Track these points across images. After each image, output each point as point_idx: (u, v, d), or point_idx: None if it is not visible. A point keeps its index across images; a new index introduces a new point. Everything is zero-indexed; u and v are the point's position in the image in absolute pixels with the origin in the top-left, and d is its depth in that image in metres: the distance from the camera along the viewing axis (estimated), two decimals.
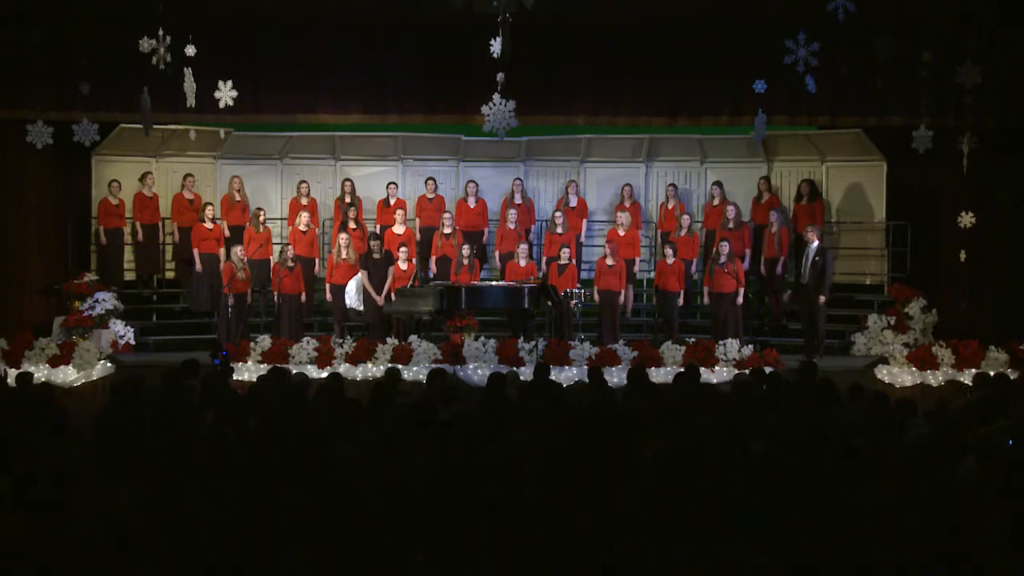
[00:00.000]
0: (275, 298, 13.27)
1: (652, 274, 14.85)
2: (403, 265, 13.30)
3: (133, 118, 12.28)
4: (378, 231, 13.97)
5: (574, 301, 12.81)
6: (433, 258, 13.88)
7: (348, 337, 12.77)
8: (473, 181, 14.66)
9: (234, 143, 15.29)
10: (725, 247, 13.01)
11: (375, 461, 5.58)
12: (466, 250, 13.37)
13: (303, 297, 13.38)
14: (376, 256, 13.31)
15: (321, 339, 12.53)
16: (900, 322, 12.85)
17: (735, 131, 13.98)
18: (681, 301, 13.47)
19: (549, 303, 12.75)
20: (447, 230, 13.81)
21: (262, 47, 12.60)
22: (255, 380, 10.13)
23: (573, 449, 5.91)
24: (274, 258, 13.76)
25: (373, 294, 13.20)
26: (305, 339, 12.52)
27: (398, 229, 13.90)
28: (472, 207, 14.43)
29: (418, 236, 14.23)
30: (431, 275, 13.99)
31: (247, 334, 12.81)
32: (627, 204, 14.34)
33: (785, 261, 13.72)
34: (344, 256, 13.31)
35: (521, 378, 10.66)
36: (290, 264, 13.20)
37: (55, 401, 8.01)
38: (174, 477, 5.39)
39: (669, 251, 13.33)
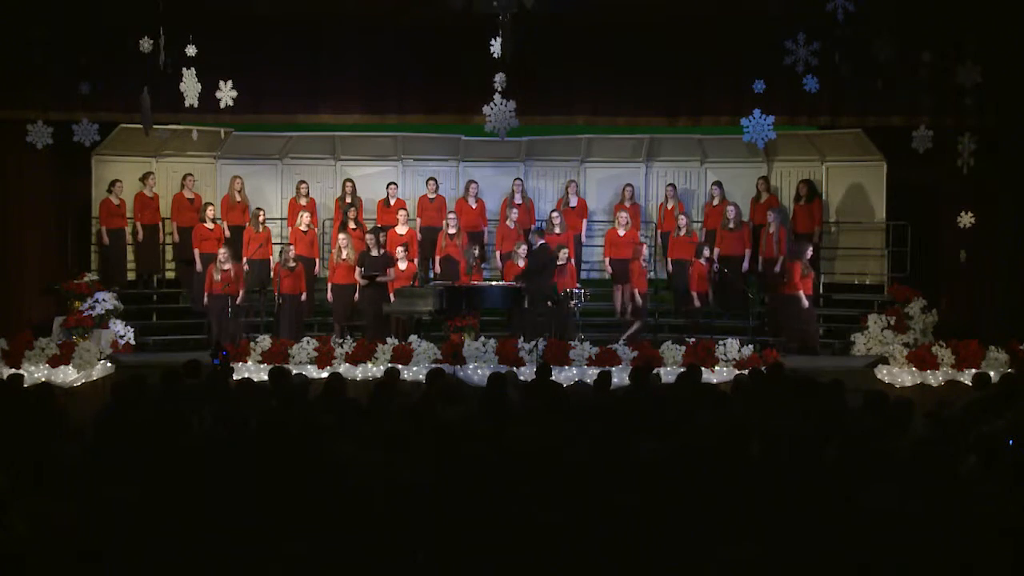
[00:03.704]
0: (275, 298, 13.29)
1: (652, 274, 14.87)
2: (402, 265, 13.30)
3: (133, 118, 12.27)
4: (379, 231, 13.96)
5: (574, 301, 12.82)
6: (437, 258, 13.90)
7: (348, 337, 12.77)
8: (474, 181, 14.67)
9: (234, 143, 15.29)
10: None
11: (375, 461, 5.58)
12: (476, 251, 13.44)
13: (303, 297, 13.38)
14: (374, 254, 13.29)
15: (321, 339, 12.53)
16: (900, 322, 12.85)
17: (735, 131, 13.95)
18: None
19: (549, 303, 12.75)
20: (451, 230, 13.82)
21: (262, 47, 12.59)
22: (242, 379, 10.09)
23: (573, 448, 5.91)
24: (274, 258, 13.77)
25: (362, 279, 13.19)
26: (305, 339, 12.52)
27: (401, 229, 13.91)
28: (474, 207, 14.44)
29: (419, 236, 14.24)
30: (431, 275, 14.02)
31: (238, 335, 12.83)
32: (627, 204, 14.35)
33: (784, 261, 13.72)
34: (344, 256, 13.30)
35: (521, 378, 10.65)
36: (291, 264, 13.20)
37: (55, 401, 7.99)
38: (174, 477, 5.39)
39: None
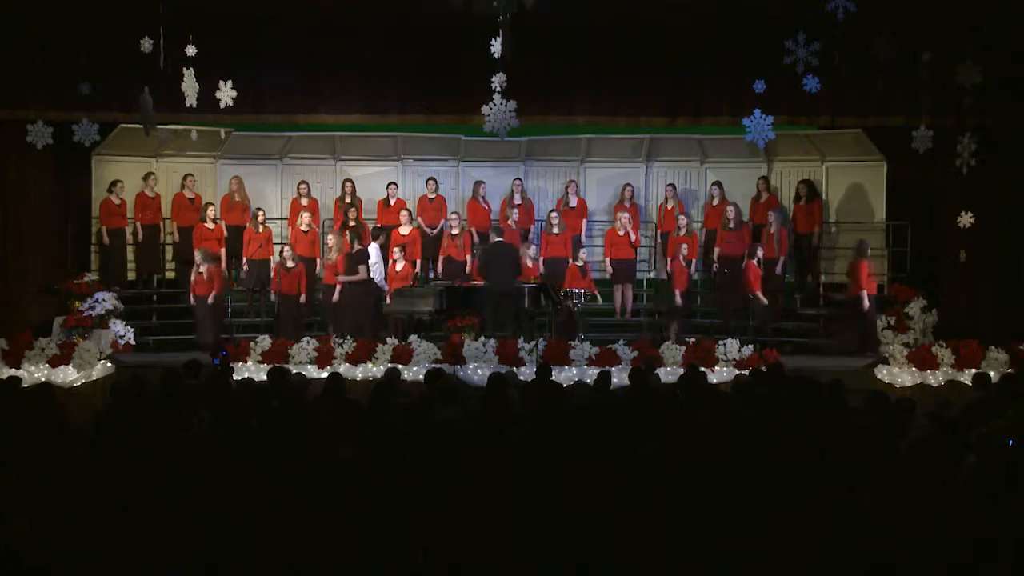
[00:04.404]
0: (272, 298, 13.32)
1: (652, 274, 14.89)
2: (399, 266, 13.28)
3: (133, 118, 12.28)
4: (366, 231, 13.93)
5: (576, 301, 12.82)
6: (441, 258, 13.92)
7: (348, 337, 12.77)
8: (482, 181, 14.66)
9: (234, 143, 15.29)
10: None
11: (375, 461, 5.58)
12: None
13: (302, 298, 13.36)
14: (353, 251, 13.26)
15: (321, 339, 12.53)
16: (900, 322, 12.84)
17: (735, 131, 13.95)
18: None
19: (549, 303, 12.76)
20: (454, 231, 13.83)
21: (262, 47, 12.60)
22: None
23: (573, 448, 5.91)
24: (275, 258, 13.78)
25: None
26: (305, 339, 12.52)
27: (404, 230, 13.92)
28: (485, 208, 14.45)
29: (429, 234, 14.27)
30: (431, 275, 14.04)
31: (219, 335, 12.90)
32: (627, 204, 14.36)
33: (784, 261, 13.74)
34: (331, 257, 13.32)
35: (521, 378, 10.65)
36: (289, 265, 13.20)
37: (55, 401, 7.99)
38: (174, 477, 5.39)
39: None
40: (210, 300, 13.12)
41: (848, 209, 14.58)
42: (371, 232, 13.53)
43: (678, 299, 13.19)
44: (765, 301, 13.05)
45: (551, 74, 12.61)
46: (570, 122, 13.80)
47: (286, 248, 13.43)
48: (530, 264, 13.39)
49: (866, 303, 12.75)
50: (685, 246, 13.47)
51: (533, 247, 13.60)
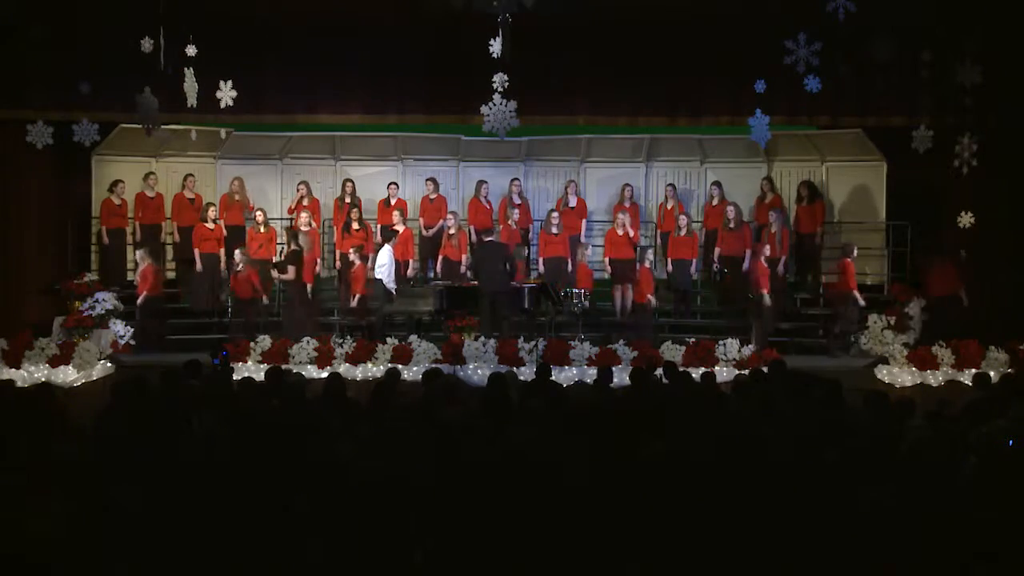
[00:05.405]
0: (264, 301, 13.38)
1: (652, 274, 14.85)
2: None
3: (133, 118, 12.27)
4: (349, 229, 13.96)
5: (575, 301, 12.82)
6: (440, 258, 13.93)
7: (348, 337, 12.79)
8: (485, 181, 14.64)
9: (234, 143, 15.30)
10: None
11: (375, 461, 5.58)
12: None
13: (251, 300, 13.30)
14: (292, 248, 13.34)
15: (321, 339, 12.54)
16: (900, 322, 12.85)
17: (735, 131, 13.96)
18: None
19: (549, 303, 12.77)
20: (452, 231, 13.84)
21: (262, 47, 12.60)
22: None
23: (573, 448, 5.90)
24: (276, 258, 13.79)
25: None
26: (305, 339, 12.53)
27: (397, 229, 13.92)
28: (487, 207, 14.44)
29: (428, 234, 14.28)
30: (431, 275, 14.04)
31: (158, 335, 13.03)
32: (626, 204, 14.35)
33: (786, 261, 13.73)
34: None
35: (521, 378, 10.64)
36: (238, 268, 13.12)
37: (55, 401, 7.98)
38: (174, 477, 5.39)
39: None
40: (139, 300, 13.10)
41: (848, 209, 14.60)
42: (381, 233, 13.60)
43: (766, 300, 12.91)
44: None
45: (551, 74, 12.60)
46: (570, 122, 13.81)
47: (240, 250, 13.35)
48: (587, 265, 13.35)
49: (965, 301, 12.78)
50: (768, 247, 13.13)
51: (591, 247, 13.55)
